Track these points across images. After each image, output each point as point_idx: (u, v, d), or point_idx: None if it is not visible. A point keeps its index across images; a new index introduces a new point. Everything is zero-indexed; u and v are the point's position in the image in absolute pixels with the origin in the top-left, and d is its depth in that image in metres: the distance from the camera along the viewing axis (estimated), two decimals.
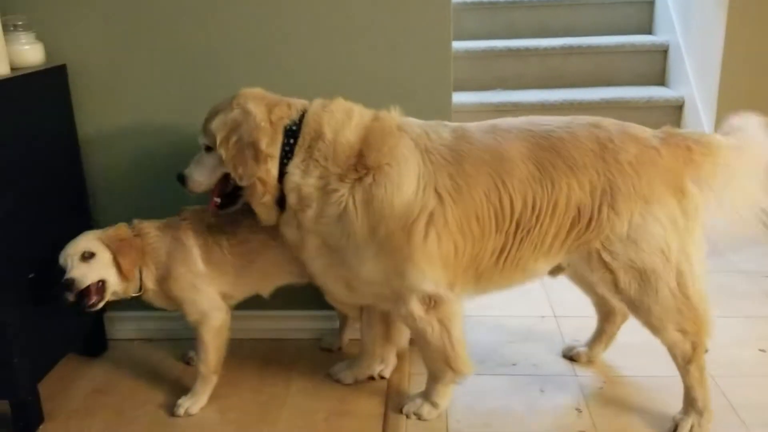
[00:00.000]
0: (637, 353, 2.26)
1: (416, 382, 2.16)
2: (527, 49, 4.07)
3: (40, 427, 2.04)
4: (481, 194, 1.79)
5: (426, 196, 1.77)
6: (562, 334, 2.45)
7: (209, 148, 1.90)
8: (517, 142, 1.82)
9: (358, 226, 1.78)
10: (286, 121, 1.85)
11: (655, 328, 1.90)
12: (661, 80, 4.13)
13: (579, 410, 2.04)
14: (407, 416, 2.01)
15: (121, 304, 2.47)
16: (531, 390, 2.15)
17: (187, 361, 2.32)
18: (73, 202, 2.29)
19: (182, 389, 2.15)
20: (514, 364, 2.29)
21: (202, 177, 1.94)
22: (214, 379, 2.09)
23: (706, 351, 1.92)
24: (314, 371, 2.25)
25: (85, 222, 2.33)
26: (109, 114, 2.30)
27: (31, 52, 2.10)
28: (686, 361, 1.90)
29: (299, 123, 1.85)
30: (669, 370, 1.93)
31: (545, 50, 4.06)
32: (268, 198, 1.86)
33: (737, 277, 2.84)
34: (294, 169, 1.82)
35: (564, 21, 4.35)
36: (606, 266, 1.84)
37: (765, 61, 3.43)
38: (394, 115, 1.91)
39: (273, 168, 1.83)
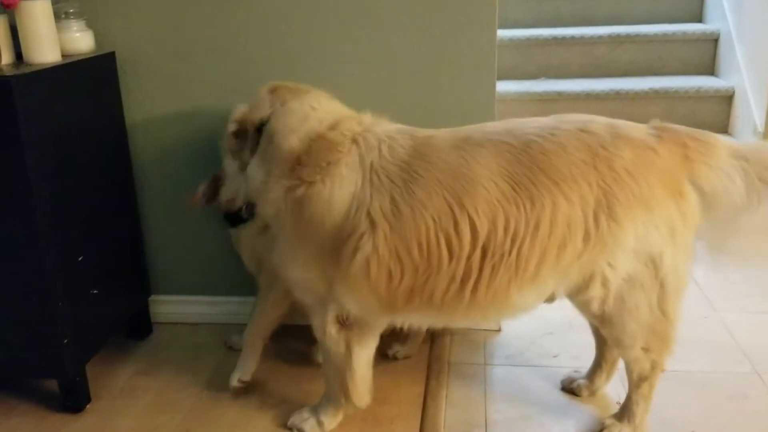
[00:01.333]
0: (681, 345, 2.21)
1: (455, 371, 2.16)
2: (572, 38, 4.00)
3: (87, 406, 2.09)
4: (428, 219, 1.63)
5: (356, 219, 1.66)
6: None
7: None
8: (488, 159, 1.65)
9: (288, 232, 1.75)
10: (260, 114, 1.83)
11: (621, 344, 1.77)
12: (710, 70, 4.03)
13: (619, 403, 2.01)
14: (290, 428, 1.95)
15: (165, 288, 2.53)
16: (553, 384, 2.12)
17: (231, 346, 2.36)
18: (121, 187, 2.34)
19: (224, 373, 2.18)
20: (554, 356, 2.27)
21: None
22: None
23: (663, 371, 1.83)
24: None
25: (132, 207, 2.38)
26: (156, 101, 2.33)
27: (81, 40, 2.14)
28: (641, 379, 1.81)
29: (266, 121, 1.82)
30: (714, 365, 1.89)
31: (591, 39, 4.00)
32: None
33: None
34: (252, 163, 1.82)
35: (610, 9, 4.27)
36: (604, 284, 1.68)
37: None
38: (356, 124, 1.77)
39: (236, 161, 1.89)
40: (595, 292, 1.69)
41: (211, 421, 2.01)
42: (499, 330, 2.41)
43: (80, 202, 2.05)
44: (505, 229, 1.62)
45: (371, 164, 1.69)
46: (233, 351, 2.31)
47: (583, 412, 2.00)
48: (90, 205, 2.10)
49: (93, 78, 2.16)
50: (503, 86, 3.74)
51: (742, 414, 1.96)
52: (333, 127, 1.75)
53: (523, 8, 4.28)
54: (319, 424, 1.93)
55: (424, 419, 1.98)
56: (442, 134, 1.76)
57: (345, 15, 2.19)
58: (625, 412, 1.87)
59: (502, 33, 3.86)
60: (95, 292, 2.10)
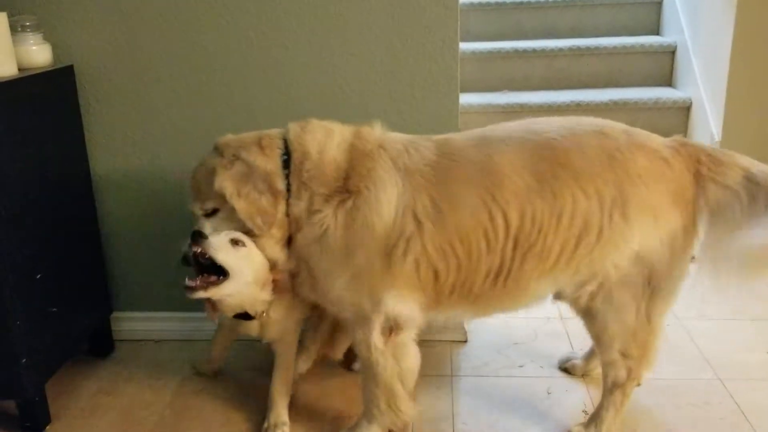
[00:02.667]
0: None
1: (423, 383, 2.16)
2: (534, 51, 4.05)
3: (47, 427, 2.04)
4: (467, 215, 1.69)
5: (404, 222, 1.69)
6: (569, 335, 2.44)
7: (215, 211, 1.81)
8: (511, 154, 1.72)
9: (336, 248, 1.72)
10: (279, 152, 1.78)
11: (600, 343, 1.82)
12: (668, 81, 4.10)
13: (586, 412, 2.03)
14: None
15: (127, 304, 2.48)
16: (537, 392, 2.14)
17: (198, 371, 2.29)
18: (80, 202, 2.30)
19: (188, 391, 2.15)
20: (520, 366, 2.28)
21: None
22: None
23: (638, 384, 1.85)
24: (322, 373, 2.25)
25: (92, 223, 2.34)
26: (117, 114, 2.30)
27: (38, 53, 2.10)
28: (615, 385, 1.83)
29: (287, 151, 1.78)
30: (677, 372, 1.92)
31: (552, 51, 4.05)
32: (283, 234, 1.79)
33: None
34: (294, 199, 1.76)
35: (571, 22, 4.33)
36: (603, 282, 1.72)
37: None
38: (375, 132, 1.82)
39: (284, 204, 1.76)
40: (591, 287, 1.74)
41: None
42: (465, 341, 2.42)
43: (38, 218, 2.01)
44: (533, 221, 1.69)
45: (405, 166, 1.73)
46: (198, 375, 2.27)
47: (549, 421, 2.01)
48: (48, 221, 2.06)
49: (51, 92, 2.12)
50: (466, 98, 3.76)
51: (706, 421, 1.99)
52: (357, 136, 1.79)
53: (485, 21, 4.32)
54: None
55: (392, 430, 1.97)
56: (458, 136, 1.84)
57: (308, 27, 2.19)
58: (593, 419, 1.89)
59: (465, 46, 3.89)
60: (54, 309, 2.06)
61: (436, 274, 1.72)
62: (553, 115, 3.76)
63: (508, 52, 4.06)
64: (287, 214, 1.77)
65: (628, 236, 1.68)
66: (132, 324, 2.50)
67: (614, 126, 1.77)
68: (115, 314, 2.47)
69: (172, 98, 2.27)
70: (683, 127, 3.85)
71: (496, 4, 4.29)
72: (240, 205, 1.73)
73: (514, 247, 1.70)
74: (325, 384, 2.21)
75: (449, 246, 1.70)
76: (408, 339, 1.80)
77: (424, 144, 1.79)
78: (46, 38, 2.15)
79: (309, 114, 2.13)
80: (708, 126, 3.60)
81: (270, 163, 1.76)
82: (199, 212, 1.83)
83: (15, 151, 1.90)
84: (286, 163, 1.77)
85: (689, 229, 1.71)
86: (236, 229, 1.78)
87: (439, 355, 2.35)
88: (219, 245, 1.73)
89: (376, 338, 1.76)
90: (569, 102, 3.82)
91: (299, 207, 1.75)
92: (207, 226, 1.81)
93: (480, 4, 4.29)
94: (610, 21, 4.33)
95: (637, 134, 1.76)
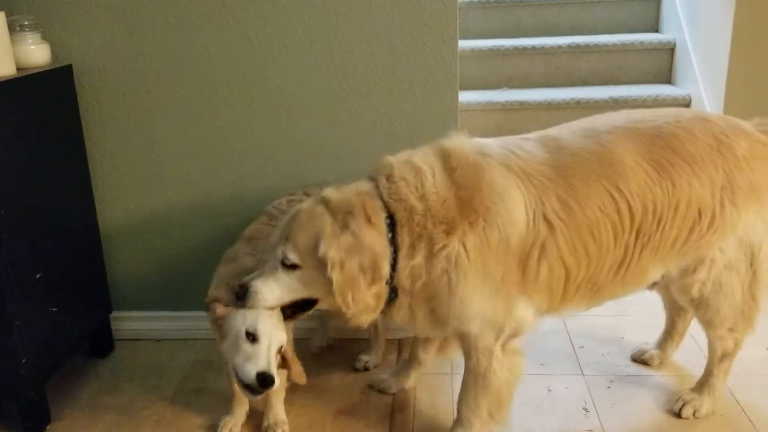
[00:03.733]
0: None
1: (423, 381, 2.16)
2: (534, 48, 4.05)
3: (48, 427, 2.04)
4: (596, 209, 1.66)
5: (536, 227, 1.63)
6: (569, 332, 2.44)
7: (293, 266, 1.64)
8: (625, 142, 1.70)
9: (472, 273, 1.62)
10: (384, 220, 1.63)
11: (711, 325, 1.89)
12: (668, 78, 4.10)
13: (586, 410, 2.03)
14: None
15: (127, 304, 2.48)
16: (538, 389, 2.14)
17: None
18: (80, 201, 2.29)
19: (189, 389, 2.15)
20: None
21: (273, 296, 1.66)
22: None
23: (741, 349, 1.96)
24: (318, 369, 2.25)
25: (91, 222, 2.34)
26: (116, 114, 2.30)
27: (37, 53, 2.10)
28: (725, 355, 1.93)
29: (389, 213, 1.64)
30: (677, 369, 1.92)
31: (552, 49, 4.04)
32: (377, 306, 1.67)
33: None
34: (403, 262, 1.64)
35: (571, 19, 4.33)
36: (710, 269, 1.78)
37: None
38: (462, 143, 1.70)
39: (378, 286, 1.64)
40: (701, 275, 1.79)
41: None
42: None
43: (37, 218, 2.01)
44: (654, 211, 1.69)
45: (520, 169, 1.67)
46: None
47: (550, 418, 2.01)
48: (48, 221, 2.06)
49: (49, 91, 2.12)
50: (465, 96, 3.75)
51: (705, 417, 1.98)
52: (444, 157, 1.68)
53: (484, 19, 4.31)
54: None
55: (392, 429, 1.97)
56: (555, 130, 1.79)
57: (308, 26, 2.18)
58: (705, 386, 1.99)
59: (464, 43, 3.89)
60: (54, 309, 2.06)
61: (567, 274, 1.69)
62: (553, 113, 3.80)
63: (507, 50, 4.06)
64: (389, 279, 1.65)
65: (736, 222, 1.73)
66: (132, 323, 2.50)
67: (711, 113, 1.82)
68: (115, 314, 2.47)
69: (172, 97, 2.26)
70: None
71: (496, 1, 4.29)
72: (338, 279, 1.58)
73: (636, 238, 1.70)
74: (323, 382, 2.21)
75: (581, 244, 1.67)
76: (519, 346, 1.77)
77: (524, 143, 1.73)
78: (45, 37, 2.14)
79: (310, 113, 2.14)
80: None
81: (379, 241, 1.61)
82: (278, 257, 1.65)
83: (14, 150, 1.90)
84: (390, 226, 1.63)
85: None
86: (307, 295, 1.67)
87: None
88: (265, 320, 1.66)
89: (499, 348, 1.72)
90: (569, 99, 3.81)
91: (417, 260, 1.63)
92: (271, 279, 1.65)
93: (479, 1, 4.29)
94: (609, 18, 4.33)
95: (731, 118, 1.81)
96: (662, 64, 4.09)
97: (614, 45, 4.04)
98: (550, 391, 2.14)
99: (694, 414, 1.97)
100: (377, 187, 1.67)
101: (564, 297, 1.74)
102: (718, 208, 1.71)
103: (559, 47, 4.05)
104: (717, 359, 1.95)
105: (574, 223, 1.65)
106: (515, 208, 1.63)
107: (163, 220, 2.36)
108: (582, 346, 2.28)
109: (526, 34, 4.27)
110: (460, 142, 1.72)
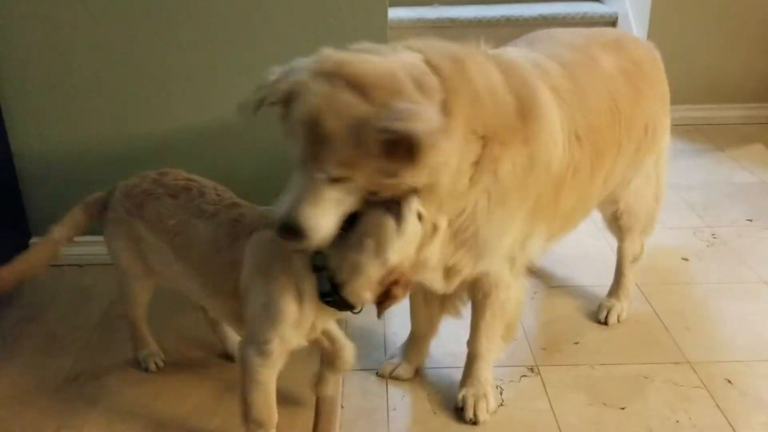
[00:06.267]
0: (565, 264, 2.36)
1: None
2: None
3: None
4: (604, 127, 1.65)
5: (571, 147, 1.55)
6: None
7: (337, 180, 1.24)
8: (605, 56, 1.74)
9: (510, 192, 1.44)
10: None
11: (630, 230, 2.04)
12: None
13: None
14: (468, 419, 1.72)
15: (46, 229, 2.40)
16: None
17: None
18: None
19: (115, 314, 2.11)
20: None
21: (327, 220, 1.26)
22: None
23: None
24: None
25: (5, 150, 2.23)
26: (41, 120, 2.22)
27: None
28: (635, 259, 2.12)
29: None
30: (595, 279, 2.00)
31: None
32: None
33: None
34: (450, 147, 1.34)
35: None
36: (636, 181, 1.93)
37: None
38: (500, 51, 1.57)
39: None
40: (632, 186, 1.95)
41: (103, 365, 1.94)
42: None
43: None
44: (629, 121, 1.74)
45: (553, 86, 1.55)
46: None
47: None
48: None
49: None
50: (395, 12, 3.69)
51: (622, 322, 2.10)
52: (497, 61, 1.47)
53: None
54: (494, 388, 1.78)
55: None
56: (546, 45, 1.74)
57: None
58: (620, 291, 2.13)
59: None
60: None
61: (580, 194, 1.67)
62: (483, 30, 3.76)
63: None
64: None
65: (660, 138, 1.94)
66: None
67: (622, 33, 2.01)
68: (35, 239, 2.39)
69: (96, 101, 2.18)
70: None
71: None
72: (444, 180, 1.30)
73: (618, 151, 1.75)
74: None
75: (599, 162, 1.66)
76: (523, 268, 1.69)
77: (537, 56, 1.61)
78: None
79: (233, 31, 2.05)
80: None
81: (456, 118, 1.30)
82: (321, 175, 1.24)
83: None
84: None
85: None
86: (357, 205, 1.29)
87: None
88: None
89: (512, 276, 1.64)
90: (499, 16, 3.80)
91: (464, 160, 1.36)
92: (327, 200, 1.25)
93: None
94: None
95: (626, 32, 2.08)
96: None
97: None
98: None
99: (618, 319, 2.08)
100: (433, 64, 1.33)
101: (565, 221, 1.72)
102: (658, 124, 1.88)
103: None
104: (629, 263, 2.12)
105: (594, 140, 1.62)
106: (556, 128, 1.51)
107: (80, 146, 2.27)
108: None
109: None
110: (491, 50, 1.55)
